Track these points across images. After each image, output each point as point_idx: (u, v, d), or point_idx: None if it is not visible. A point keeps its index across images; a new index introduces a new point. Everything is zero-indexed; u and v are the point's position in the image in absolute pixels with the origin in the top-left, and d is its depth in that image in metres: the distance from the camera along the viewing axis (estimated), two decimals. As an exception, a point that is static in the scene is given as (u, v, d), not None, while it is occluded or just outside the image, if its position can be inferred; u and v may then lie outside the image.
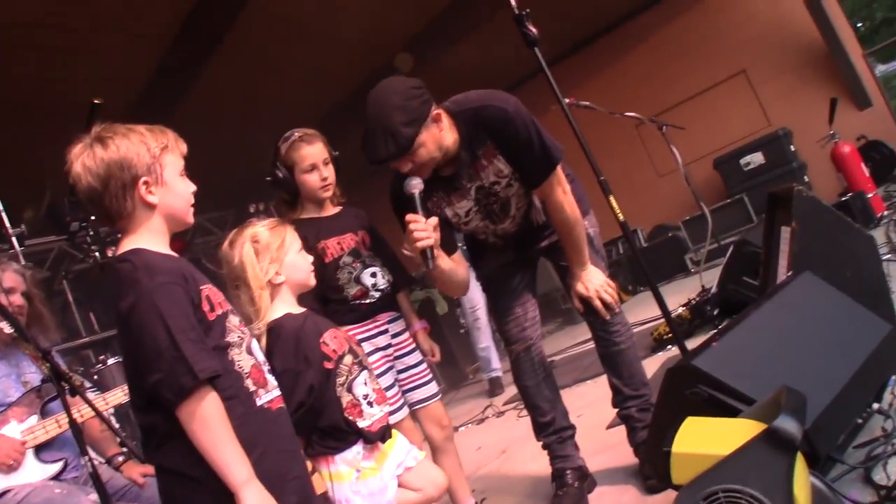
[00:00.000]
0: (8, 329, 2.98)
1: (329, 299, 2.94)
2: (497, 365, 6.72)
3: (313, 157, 2.98)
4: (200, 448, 1.75)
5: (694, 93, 9.50)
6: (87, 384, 4.85)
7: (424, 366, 3.17)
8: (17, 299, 3.25)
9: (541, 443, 3.19)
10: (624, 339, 3.00)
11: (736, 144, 8.90)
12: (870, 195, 6.35)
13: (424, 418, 3.13)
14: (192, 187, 2.04)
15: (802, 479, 1.65)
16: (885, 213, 6.31)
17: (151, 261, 1.87)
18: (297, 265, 2.54)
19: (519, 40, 2.70)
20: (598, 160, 2.71)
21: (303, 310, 2.55)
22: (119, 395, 3.33)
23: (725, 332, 2.28)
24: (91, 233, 6.28)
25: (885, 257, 4.51)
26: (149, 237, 1.93)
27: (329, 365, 2.41)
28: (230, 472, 1.75)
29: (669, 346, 5.04)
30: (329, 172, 3.02)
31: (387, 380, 2.95)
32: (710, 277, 5.74)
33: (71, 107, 5.41)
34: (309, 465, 2.44)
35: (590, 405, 4.39)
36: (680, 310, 5.46)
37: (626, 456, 3.16)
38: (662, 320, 3.84)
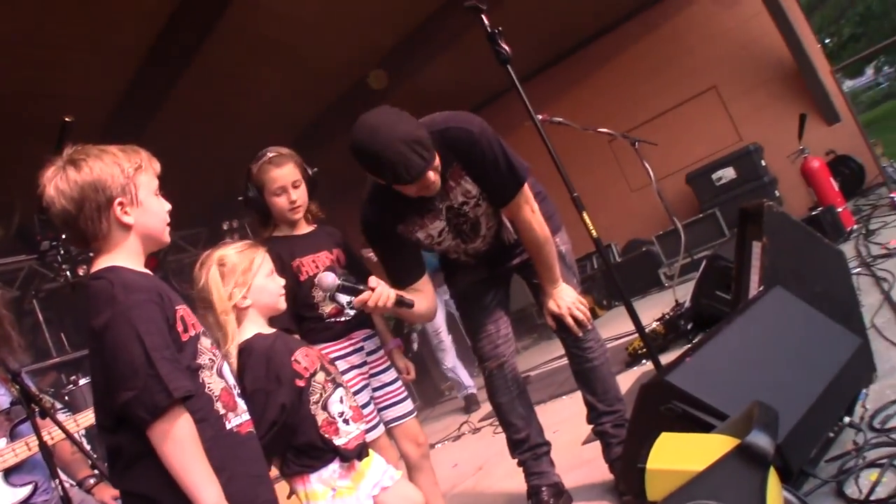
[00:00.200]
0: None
1: (304, 317, 2.93)
2: (469, 382, 6.72)
3: (282, 179, 2.97)
4: (171, 469, 1.72)
5: (666, 108, 9.58)
6: (58, 405, 4.79)
7: (400, 383, 3.16)
8: None
9: (516, 460, 3.19)
10: (597, 355, 3.00)
11: (708, 159, 8.98)
12: (839, 209, 6.42)
13: (400, 436, 3.12)
14: (168, 206, 2.03)
15: (775, 494, 1.66)
16: (855, 227, 6.38)
17: (128, 278, 1.85)
18: (266, 289, 2.50)
19: (492, 57, 2.71)
20: (571, 175, 2.72)
21: (273, 330, 2.53)
22: (90, 416, 3.29)
23: (698, 347, 2.30)
24: (62, 252, 6.22)
25: (854, 271, 4.57)
26: (124, 256, 1.91)
27: (301, 383, 2.39)
28: (200, 495, 1.73)
29: (644, 361, 5.05)
30: (298, 194, 3.00)
31: (362, 397, 2.94)
32: (684, 292, 5.77)
33: (41, 124, 5.35)
34: (286, 485, 2.43)
35: (565, 421, 4.39)
36: (654, 324, 5.49)
37: (601, 472, 3.16)
38: (637, 335, 3.86)
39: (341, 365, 2.85)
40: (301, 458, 2.39)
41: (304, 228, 3.09)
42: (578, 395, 3.17)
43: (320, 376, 2.44)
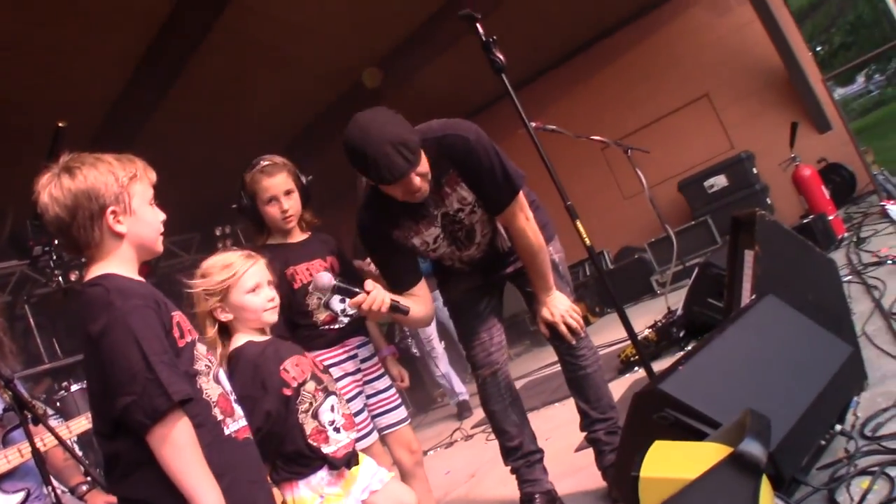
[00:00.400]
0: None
1: (298, 324, 2.94)
2: (461, 389, 6.73)
3: (274, 188, 2.98)
4: (170, 473, 1.73)
5: (658, 116, 9.61)
6: (50, 411, 4.78)
7: (394, 391, 3.17)
8: None
9: (509, 467, 3.19)
10: (590, 363, 3.01)
11: (700, 167, 9.01)
12: (831, 217, 6.45)
13: (394, 443, 3.13)
14: (162, 216, 2.03)
15: (768, 502, 1.67)
16: (846, 234, 6.41)
17: (123, 285, 1.86)
18: (245, 306, 2.48)
19: (486, 63, 2.72)
20: (564, 183, 2.74)
21: (266, 338, 2.54)
22: (83, 422, 3.29)
23: (691, 356, 2.30)
24: (54, 257, 6.22)
25: (846, 279, 4.59)
26: (118, 264, 1.91)
27: (288, 392, 2.39)
28: (200, 499, 1.73)
29: (636, 368, 5.07)
30: (290, 203, 3.01)
31: (356, 404, 2.95)
32: (676, 299, 5.79)
33: (34, 130, 5.37)
34: (277, 492, 2.43)
35: (558, 427, 4.40)
36: (646, 331, 5.49)
37: (594, 479, 3.17)
38: (629, 342, 3.88)
39: (335, 372, 2.86)
40: (290, 465, 2.40)
41: (298, 236, 3.10)
42: (571, 402, 3.18)
43: (310, 385, 2.45)
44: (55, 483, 2.78)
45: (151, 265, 8.17)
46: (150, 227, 1.99)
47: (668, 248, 6.71)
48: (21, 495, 3.00)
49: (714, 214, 8.52)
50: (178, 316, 1.94)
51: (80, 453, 3.78)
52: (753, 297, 2.75)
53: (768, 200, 8.53)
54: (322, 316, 2.97)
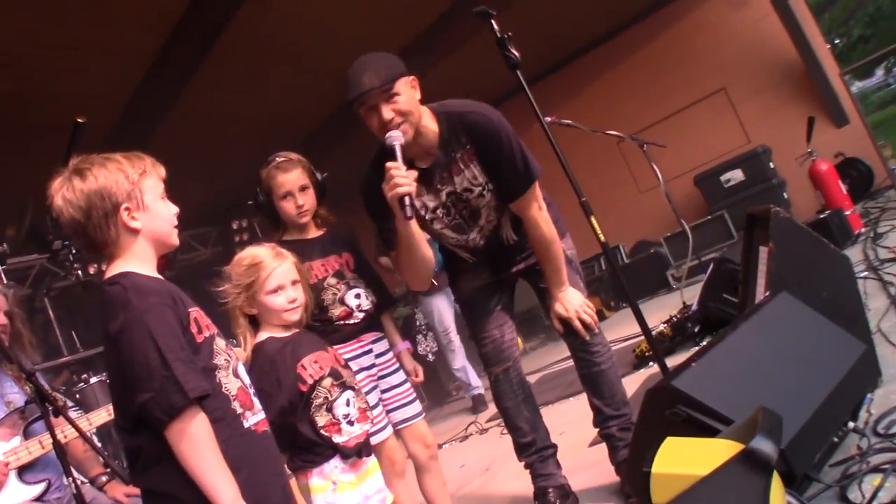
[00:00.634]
0: (-7, 349, 3.00)
1: (314, 320, 2.96)
2: (477, 383, 6.75)
3: (289, 184, 3.03)
4: (188, 468, 1.76)
5: (675, 110, 9.57)
6: (70, 403, 4.84)
7: (408, 385, 3.20)
8: (0, 318, 3.25)
9: (523, 462, 3.21)
10: (604, 359, 3.02)
11: (716, 161, 8.96)
12: (847, 212, 6.43)
13: (409, 437, 3.16)
14: (175, 209, 2.07)
15: (779, 499, 1.68)
16: (863, 230, 6.38)
17: (141, 283, 1.89)
18: (268, 306, 2.57)
19: (499, 58, 2.74)
20: (580, 177, 2.75)
21: (289, 333, 2.60)
22: (103, 414, 3.33)
23: (704, 352, 2.32)
24: (73, 251, 6.28)
25: (861, 275, 4.58)
26: (135, 261, 1.95)
27: (304, 388, 2.46)
28: (217, 493, 1.77)
29: (651, 363, 5.07)
30: (305, 199, 3.06)
31: (371, 399, 2.97)
32: (692, 294, 5.79)
33: (53, 125, 5.41)
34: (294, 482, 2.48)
35: (572, 422, 4.42)
36: (661, 326, 5.50)
37: (608, 474, 3.18)
38: (644, 337, 3.91)
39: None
40: (303, 454, 2.48)
41: (314, 232, 3.14)
42: (585, 396, 3.19)
43: (327, 381, 2.51)
44: (75, 474, 2.82)
45: (169, 258, 8.25)
46: (164, 221, 2.03)
47: (684, 242, 6.68)
48: (42, 486, 3.05)
49: (730, 209, 8.47)
50: (195, 312, 1.97)
51: (99, 445, 3.83)
52: (767, 293, 2.76)
53: (785, 195, 8.48)
54: (337, 311, 2.99)
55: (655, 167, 5.82)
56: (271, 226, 3.17)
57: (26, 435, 3.09)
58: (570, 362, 3.24)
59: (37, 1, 4.75)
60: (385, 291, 3.25)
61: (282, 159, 3.06)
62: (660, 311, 6.36)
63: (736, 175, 8.61)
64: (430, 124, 2.75)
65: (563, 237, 3.04)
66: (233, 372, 2.00)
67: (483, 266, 3.11)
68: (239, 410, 1.95)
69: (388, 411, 3.10)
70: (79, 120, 4.50)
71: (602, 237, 2.72)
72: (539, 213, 2.87)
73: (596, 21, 9.46)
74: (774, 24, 8.76)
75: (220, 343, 2.01)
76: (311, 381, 2.47)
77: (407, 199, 2.51)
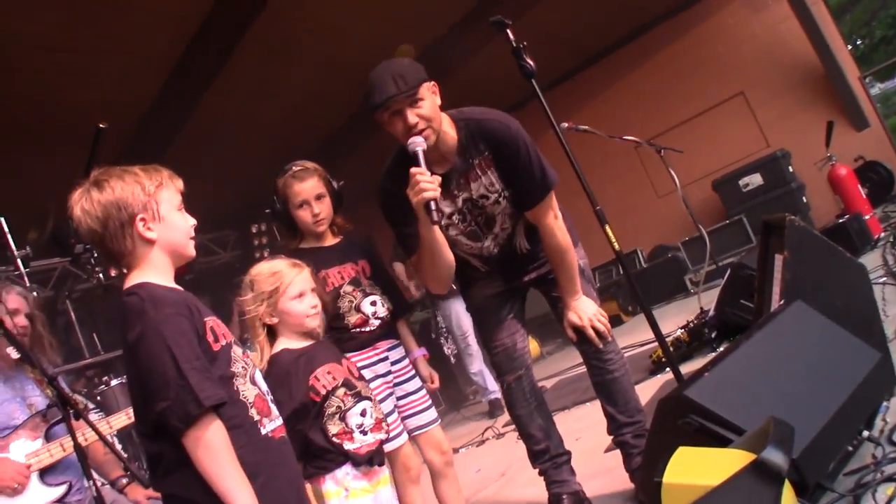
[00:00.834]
0: (14, 354, 3.04)
1: (330, 327, 2.99)
2: (494, 387, 6.74)
3: (304, 193, 3.06)
4: (205, 474, 1.80)
5: (693, 114, 9.55)
6: (91, 405, 4.89)
7: (424, 392, 3.22)
8: (21, 321, 3.28)
9: (537, 469, 3.22)
10: (617, 367, 3.02)
11: (734, 166, 8.95)
12: (867, 217, 6.39)
13: (424, 444, 3.18)
14: (192, 221, 2.11)
15: (789, 510, 1.69)
16: (882, 234, 6.34)
17: (157, 293, 1.93)
18: (290, 311, 2.63)
19: (515, 65, 2.76)
20: (597, 182, 2.77)
21: (305, 344, 2.65)
22: (123, 418, 3.37)
23: (717, 361, 2.32)
24: (95, 255, 6.34)
25: (880, 280, 4.56)
26: (153, 272, 1.99)
27: (316, 398, 2.52)
28: (233, 499, 1.80)
29: (667, 369, 5.06)
30: (321, 207, 3.09)
31: (387, 406, 3.00)
32: (710, 298, 5.77)
33: (75, 130, 5.48)
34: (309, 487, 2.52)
35: (588, 427, 4.42)
36: (678, 331, 5.49)
37: (622, 480, 3.18)
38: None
39: (366, 374, 2.90)
40: (315, 461, 2.52)
41: (331, 240, 3.17)
42: (600, 403, 3.19)
43: (340, 391, 2.56)
44: (95, 476, 2.86)
45: (188, 262, 8.30)
46: (180, 232, 2.07)
47: (702, 247, 6.66)
48: (63, 488, 3.09)
49: (749, 213, 8.45)
50: (211, 321, 2.01)
51: (119, 447, 3.88)
52: (782, 302, 2.76)
53: (804, 199, 8.45)
54: (353, 319, 3.02)
55: (672, 173, 5.82)
56: (288, 234, 3.21)
57: (48, 437, 3.14)
58: (586, 368, 3.24)
59: (60, 8, 4.82)
60: (401, 298, 3.27)
61: (298, 168, 3.09)
62: (677, 316, 6.35)
63: (754, 179, 8.59)
64: (448, 130, 2.77)
65: (575, 246, 3.05)
66: (250, 379, 2.04)
67: (495, 274, 3.12)
68: (256, 417, 1.99)
69: (404, 418, 3.12)
70: (101, 125, 4.56)
71: (616, 246, 2.73)
72: (555, 221, 2.89)
73: (615, 25, 9.47)
74: (794, 27, 8.74)
75: (237, 351, 2.05)
76: (323, 392, 2.52)
77: (433, 204, 2.53)
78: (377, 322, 3.07)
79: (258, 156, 7.58)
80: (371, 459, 2.56)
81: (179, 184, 2.10)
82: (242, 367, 2.03)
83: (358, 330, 3.03)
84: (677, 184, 5.76)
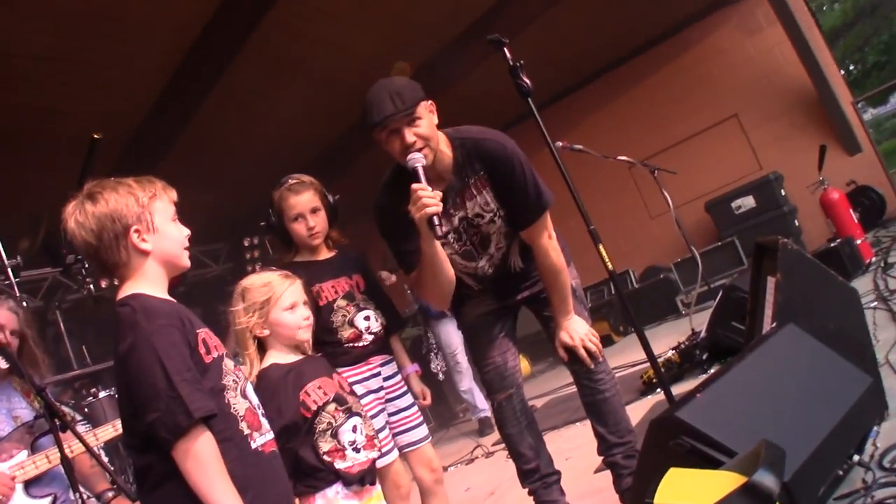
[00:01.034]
0: (2, 364, 3.02)
1: (323, 341, 2.98)
2: (484, 405, 6.72)
3: (300, 206, 3.07)
4: (194, 487, 1.79)
5: (687, 136, 9.58)
6: (78, 417, 4.85)
7: (416, 409, 3.21)
8: (7, 338, 3.25)
9: (526, 489, 3.21)
10: (608, 387, 3.02)
11: (727, 188, 8.96)
12: (858, 241, 6.41)
13: (414, 461, 3.17)
14: (186, 231, 2.11)
15: (780, 533, 1.68)
16: (873, 259, 6.36)
17: (150, 304, 1.93)
18: (282, 323, 2.61)
19: (511, 82, 2.76)
20: (591, 201, 2.77)
21: (295, 359, 2.63)
22: (109, 430, 3.35)
23: (709, 383, 2.32)
24: (86, 265, 6.32)
25: (871, 305, 4.57)
26: (146, 283, 1.99)
27: (307, 414, 2.49)
28: None
29: (658, 390, 5.05)
30: (317, 221, 3.10)
31: (378, 422, 2.99)
32: (701, 320, 5.78)
33: (69, 139, 5.48)
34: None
35: (578, 447, 4.40)
36: (669, 353, 5.48)
37: (612, 501, 3.16)
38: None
39: (358, 389, 2.90)
40: (305, 479, 2.50)
41: (325, 254, 3.17)
42: (591, 423, 3.19)
43: (331, 407, 2.53)
44: (81, 490, 2.83)
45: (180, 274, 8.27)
46: (175, 243, 2.07)
47: (694, 268, 6.69)
48: (48, 500, 3.07)
49: (741, 235, 8.46)
50: (203, 332, 2.01)
51: (105, 460, 3.85)
52: (774, 325, 2.76)
53: (796, 222, 8.47)
54: (347, 333, 3.02)
55: (666, 193, 5.85)
56: (283, 247, 3.21)
57: (34, 449, 3.11)
58: (577, 387, 3.23)
59: (57, 17, 4.82)
60: (395, 314, 3.27)
61: (294, 181, 3.10)
62: (668, 337, 6.35)
63: (747, 202, 8.61)
64: (445, 149, 2.78)
65: (568, 265, 3.04)
66: (241, 392, 2.03)
67: (488, 293, 3.11)
68: (246, 431, 1.98)
69: (395, 434, 3.12)
70: (95, 136, 4.57)
71: (610, 266, 2.73)
72: (549, 241, 2.89)
73: (610, 45, 9.51)
74: (788, 51, 8.80)
75: (228, 363, 2.04)
76: (314, 408, 2.49)
77: (436, 219, 2.53)
78: (370, 337, 3.06)
79: (252, 169, 7.58)
80: (363, 479, 2.53)
81: (173, 194, 2.11)
82: (233, 380, 2.02)
83: (351, 345, 3.03)
84: (670, 205, 5.79)
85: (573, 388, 3.21)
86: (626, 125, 9.72)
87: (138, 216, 1.98)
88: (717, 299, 5.30)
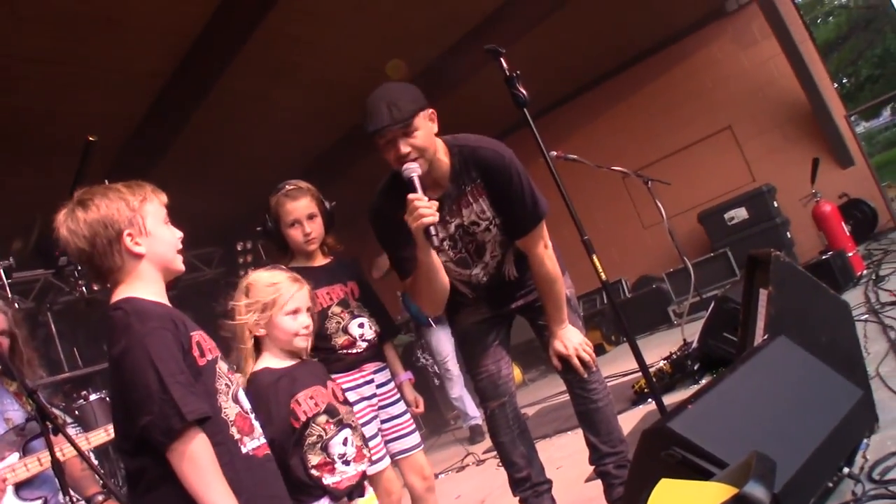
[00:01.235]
0: (-7, 367, 3.01)
1: (317, 348, 2.98)
2: (475, 412, 6.74)
3: (296, 212, 3.08)
4: (189, 489, 1.79)
5: (680, 147, 9.62)
6: (69, 420, 4.84)
7: (408, 416, 3.21)
8: None
9: (517, 497, 3.21)
10: (601, 396, 3.02)
11: (720, 199, 9.00)
12: (850, 254, 6.45)
13: (406, 468, 3.17)
14: (179, 234, 2.12)
15: (770, 545, 1.69)
16: (865, 272, 6.39)
17: (142, 307, 1.94)
18: (281, 327, 2.58)
19: (506, 92, 2.77)
20: (585, 211, 2.78)
21: (288, 364, 2.59)
22: (101, 435, 3.34)
23: (701, 394, 2.33)
24: (78, 267, 6.30)
25: (862, 318, 4.59)
26: (141, 286, 2.00)
27: (296, 424, 2.45)
28: None
29: (650, 400, 5.06)
30: (313, 227, 3.10)
31: (370, 429, 2.99)
32: (693, 330, 5.79)
33: (63, 142, 5.47)
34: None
35: (569, 456, 4.40)
36: (661, 363, 5.49)
37: (603, 511, 3.18)
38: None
39: (351, 396, 2.90)
40: (293, 492, 2.44)
41: (321, 260, 3.17)
42: (582, 432, 3.19)
43: (322, 419, 2.49)
44: (71, 493, 2.82)
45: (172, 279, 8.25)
46: (167, 245, 2.08)
47: (686, 278, 6.70)
48: (39, 503, 3.06)
49: (733, 247, 8.49)
50: (197, 335, 2.01)
51: (96, 463, 3.83)
52: (765, 337, 2.77)
53: (788, 234, 8.51)
54: (341, 340, 3.02)
55: (659, 204, 5.86)
56: (279, 252, 3.22)
57: (25, 452, 3.10)
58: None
59: (54, 20, 4.82)
60: (389, 321, 3.28)
61: (291, 187, 3.11)
62: (660, 347, 6.36)
63: (740, 213, 8.64)
64: (442, 157, 2.78)
65: (562, 274, 3.05)
66: (232, 397, 2.03)
67: (482, 301, 3.12)
68: (237, 436, 1.98)
69: (387, 441, 3.12)
70: (90, 139, 4.55)
71: (603, 276, 2.74)
72: (545, 251, 2.90)
73: (605, 57, 9.54)
74: (782, 64, 8.86)
75: (222, 367, 2.05)
76: (304, 418, 2.45)
77: (432, 229, 2.55)
78: (364, 344, 3.07)
79: (246, 174, 7.59)
80: (350, 493, 2.51)
81: (163, 197, 2.12)
82: (226, 384, 2.02)
83: (345, 351, 3.03)
84: (663, 215, 5.80)
85: (565, 397, 3.22)
86: (621, 135, 9.75)
87: (130, 220, 1.99)
88: (709, 310, 5.31)
